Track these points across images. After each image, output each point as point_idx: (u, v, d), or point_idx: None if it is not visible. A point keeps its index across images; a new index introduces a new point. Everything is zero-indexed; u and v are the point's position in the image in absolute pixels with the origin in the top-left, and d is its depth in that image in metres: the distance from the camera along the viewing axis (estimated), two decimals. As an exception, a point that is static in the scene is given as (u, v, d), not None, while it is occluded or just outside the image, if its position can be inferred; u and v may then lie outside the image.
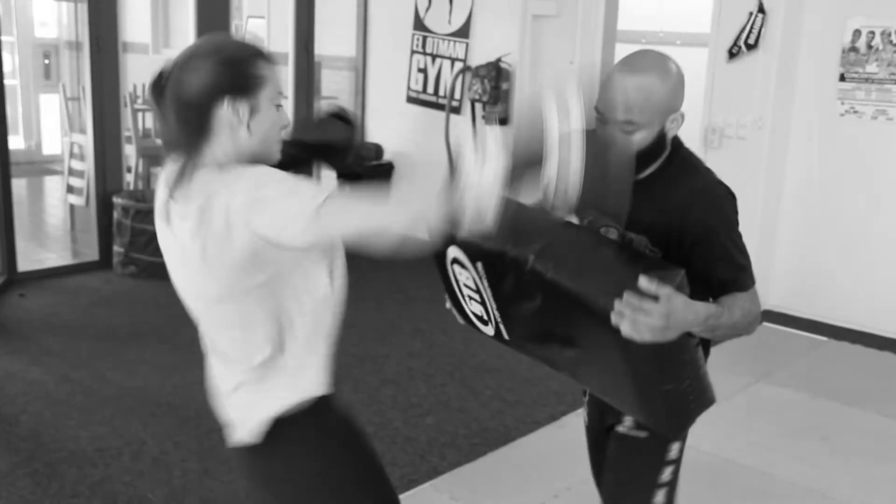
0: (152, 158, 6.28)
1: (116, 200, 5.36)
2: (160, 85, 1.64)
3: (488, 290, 1.97)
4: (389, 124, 6.88)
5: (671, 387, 1.82)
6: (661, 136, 1.87)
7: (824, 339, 4.96)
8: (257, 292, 1.64)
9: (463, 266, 1.98)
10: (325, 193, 1.52)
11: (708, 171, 1.97)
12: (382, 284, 5.63)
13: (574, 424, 3.74)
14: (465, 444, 3.51)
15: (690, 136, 6.01)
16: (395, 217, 1.52)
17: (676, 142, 1.95)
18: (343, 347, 4.46)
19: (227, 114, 1.60)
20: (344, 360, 4.21)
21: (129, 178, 6.03)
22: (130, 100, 6.38)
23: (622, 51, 6.68)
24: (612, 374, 1.89)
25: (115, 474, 3.15)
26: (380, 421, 3.67)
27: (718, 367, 4.25)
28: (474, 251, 1.92)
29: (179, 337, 4.41)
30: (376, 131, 7.01)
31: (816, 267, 5.14)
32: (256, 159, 1.66)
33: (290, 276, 1.66)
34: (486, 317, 2.05)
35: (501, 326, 2.03)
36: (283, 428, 1.72)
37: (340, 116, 1.98)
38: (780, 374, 4.41)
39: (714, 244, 1.89)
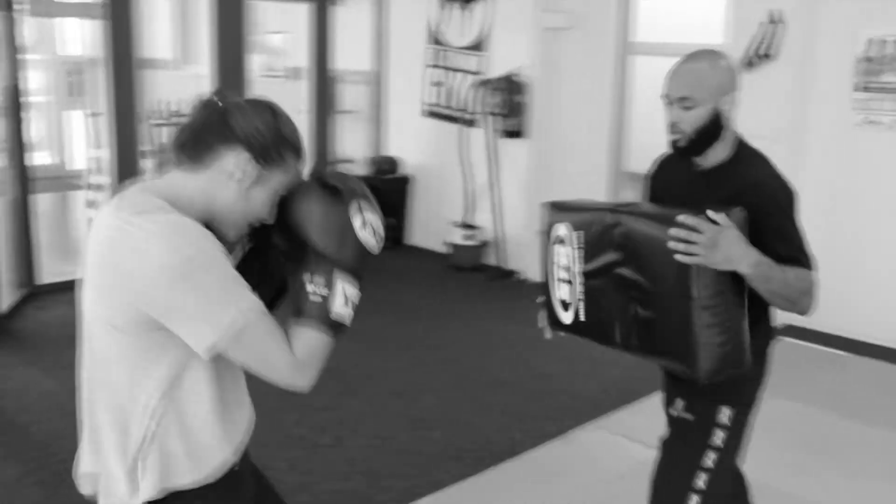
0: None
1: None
2: (215, 103, 1.62)
3: (580, 263, 2.20)
4: (406, 137, 6.92)
5: (711, 304, 1.96)
6: (717, 115, 2.07)
7: (842, 353, 4.89)
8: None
9: (563, 243, 2.24)
10: (251, 313, 1.48)
11: (768, 166, 2.14)
12: (397, 298, 5.65)
13: (582, 439, 3.73)
14: (471, 457, 3.50)
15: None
16: (291, 370, 1.55)
17: (741, 140, 2.15)
18: (355, 361, 4.51)
19: (236, 164, 1.57)
20: (355, 373, 4.29)
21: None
22: (149, 115, 6.45)
23: (643, 63, 6.69)
24: (664, 319, 2.03)
25: (120, 486, 3.17)
26: (386, 434, 3.67)
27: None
28: (579, 223, 2.21)
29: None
30: (393, 144, 7.05)
31: (834, 280, 5.06)
32: (215, 223, 1.61)
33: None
34: (569, 299, 2.25)
35: (581, 305, 2.22)
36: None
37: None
38: (793, 389, 4.35)
39: (771, 227, 2.05)
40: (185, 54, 8.93)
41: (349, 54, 7.09)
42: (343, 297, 1.57)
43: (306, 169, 1.70)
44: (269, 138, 1.59)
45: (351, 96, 7.21)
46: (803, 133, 5.03)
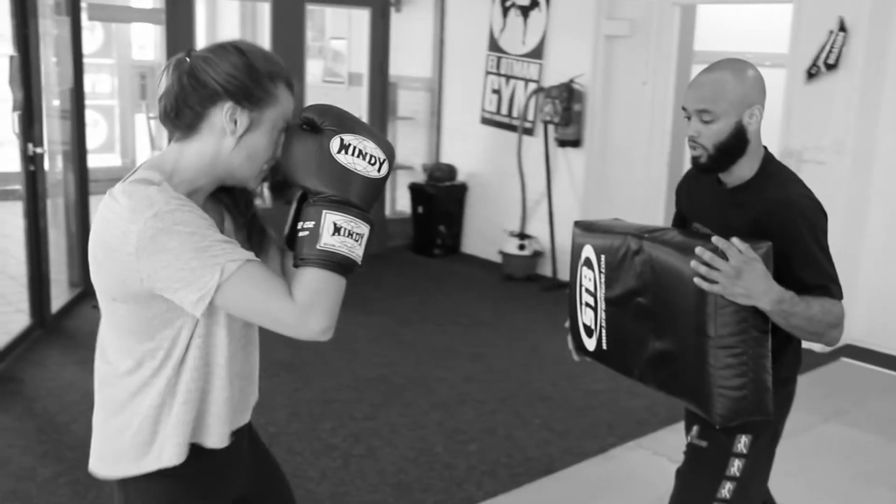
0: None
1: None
2: (182, 62, 1.56)
3: (602, 288, 2.11)
4: (463, 145, 6.86)
5: (727, 346, 1.83)
6: (740, 129, 1.94)
7: (907, 377, 4.66)
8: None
9: (590, 267, 2.15)
10: (232, 264, 1.46)
11: (796, 184, 2.00)
12: (447, 307, 5.59)
13: (622, 458, 3.61)
14: (506, 473, 3.42)
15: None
16: (293, 315, 1.49)
17: (768, 156, 2.03)
18: (398, 369, 4.46)
19: (223, 117, 1.53)
20: (397, 381, 4.25)
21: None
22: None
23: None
24: (682, 355, 1.92)
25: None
26: (422, 446, 3.61)
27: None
28: (600, 247, 2.12)
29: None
30: (450, 152, 7.00)
31: (902, 300, 4.84)
32: (232, 180, 1.60)
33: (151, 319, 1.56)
34: (592, 325, 2.18)
35: (603, 332, 2.13)
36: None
37: None
38: (852, 414, 4.15)
39: (799, 251, 1.91)
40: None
41: (409, 60, 7.08)
42: (332, 226, 1.50)
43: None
44: (246, 79, 1.53)
45: (410, 103, 7.19)
46: (871, 145, 4.81)
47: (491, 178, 6.68)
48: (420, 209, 6.82)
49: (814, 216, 1.95)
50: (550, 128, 6.03)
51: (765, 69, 6.80)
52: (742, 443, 2.02)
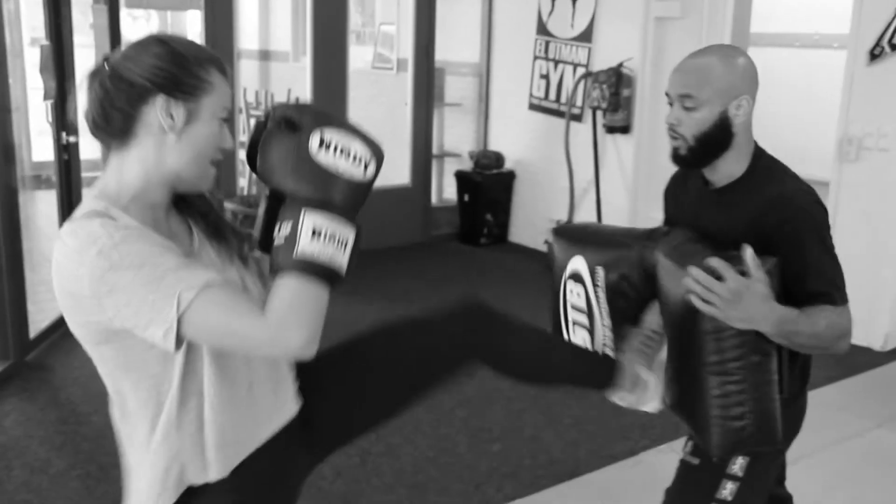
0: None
1: (227, 205, 5.45)
2: (100, 69, 1.45)
3: (602, 302, 1.91)
4: (511, 132, 6.69)
5: (723, 380, 1.67)
6: (725, 120, 1.78)
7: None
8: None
9: (578, 280, 1.93)
10: (188, 293, 1.33)
11: (793, 179, 1.81)
12: (490, 299, 5.43)
13: (652, 462, 3.42)
14: (528, 475, 3.27)
15: (823, 148, 5.50)
16: (267, 333, 1.35)
17: (758, 151, 1.85)
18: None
19: (157, 114, 1.40)
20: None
21: (242, 182, 6.14)
22: (246, 107, 6.50)
23: (759, 55, 6.20)
24: (684, 375, 1.77)
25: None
26: (443, 445, 3.49)
27: (832, 406, 3.82)
28: (597, 257, 1.92)
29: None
30: (498, 139, 6.84)
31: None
32: (182, 184, 1.48)
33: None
34: (589, 346, 1.99)
35: (608, 351, 1.95)
36: None
37: None
38: (909, 419, 3.89)
39: (801, 254, 1.71)
40: (304, 46, 8.99)
41: (457, 45, 6.93)
42: (310, 231, 1.34)
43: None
44: (173, 67, 1.41)
45: (458, 88, 7.04)
46: (938, 132, 4.49)
47: (539, 166, 6.50)
48: (466, 197, 6.67)
49: (815, 212, 1.76)
50: (599, 114, 5.82)
51: (830, 51, 6.47)
52: (737, 465, 1.84)
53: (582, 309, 1.94)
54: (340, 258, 1.37)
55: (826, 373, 4.17)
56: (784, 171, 1.83)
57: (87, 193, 1.48)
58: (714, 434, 1.69)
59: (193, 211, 1.57)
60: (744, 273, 1.61)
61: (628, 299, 1.87)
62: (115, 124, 1.42)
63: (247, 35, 9.70)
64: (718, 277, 1.60)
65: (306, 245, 1.34)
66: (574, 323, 1.99)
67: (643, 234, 1.88)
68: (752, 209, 1.76)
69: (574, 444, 3.53)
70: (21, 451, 3.31)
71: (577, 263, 1.94)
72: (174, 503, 1.50)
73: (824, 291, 1.72)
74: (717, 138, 1.78)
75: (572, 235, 2.02)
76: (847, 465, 3.41)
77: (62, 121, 4.43)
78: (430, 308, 1.83)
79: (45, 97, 4.36)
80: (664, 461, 3.40)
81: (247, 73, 9.54)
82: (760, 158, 1.84)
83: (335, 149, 1.38)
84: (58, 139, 4.46)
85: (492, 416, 3.77)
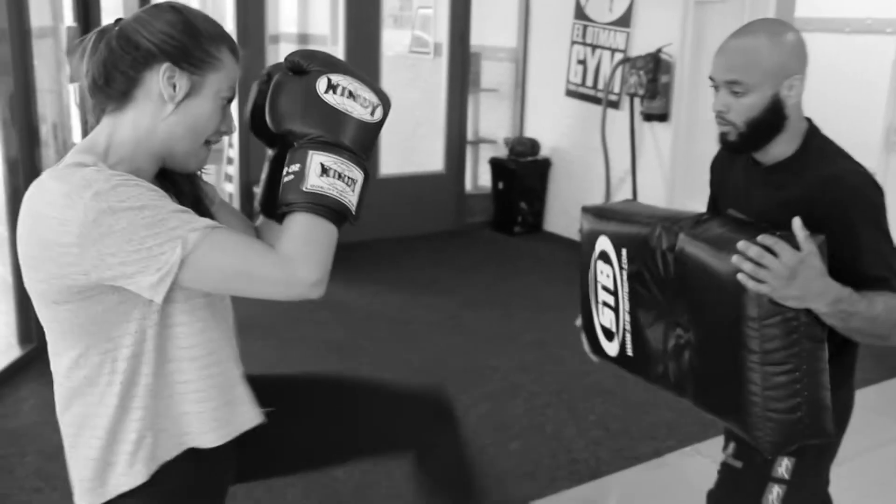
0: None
1: (255, 190, 5.40)
2: (109, 28, 1.41)
3: (625, 286, 1.82)
4: (547, 118, 6.56)
5: (777, 370, 1.55)
6: (777, 103, 1.68)
7: None
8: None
9: (607, 261, 1.87)
10: (194, 234, 1.29)
11: (847, 159, 1.70)
12: (517, 289, 5.34)
13: (677, 464, 3.30)
14: (546, 476, 3.17)
15: (869, 137, 5.27)
16: (277, 270, 1.31)
17: (812, 129, 1.76)
18: (451, 356, 4.22)
19: (160, 81, 1.37)
20: (448, 369, 4.03)
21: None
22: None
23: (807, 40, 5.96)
24: (721, 369, 1.65)
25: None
26: (461, 441, 3.40)
27: (869, 409, 3.65)
28: (622, 237, 1.83)
29: (288, 331, 4.36)
30: (534, 125, 6.70)
31: None
32: (171, 159, 1.43)
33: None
34: (613, 327, 1.91)
35: (628, 337, 1.86)
36: None
37: None
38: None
39: (854, 237, 1.61)
40: (337, 30, 8.93)
41: (494, 30, 6.79)
42: (319, 167, 1.33)
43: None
44: (185, 37, 1.38)
45: (494, 74, 6.91)
46: None
47: (575, 154, 6.35)
48: (500, 185, 6.55)
49: (871, 193, 1.64)
50: (636, 101, 5.66)
51: (883, 37, 6.18)
52: (783, 466, 1.74)
53: (610, 289, 1.87)
54: (350, 195, 1.35)
55: (863, 374, 3.97)
56: (837, 151, 1.73)
57: (73, 149, 1.43)
58: (766, 429, 1.57)
59: (176, 190, 1.51)
60: (796, 248, 1.51)
61: (648, 288, 1.76)
62: (116, 86, 1.39)
63: (286, 18, 9.67)
64: (770, 252, 1.49)
65: (315, 180, 1.33)
66: (603, 304, 1.92)
67: (674, 216, 1.77)
68: (803, 189, 1.66)
69: (597, 442, 3.42)
70: (35, 437, 3.29)
71: (604, 243, 1.87)
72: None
73: (881, 276, 1.60)
74: (770, 122, 1.68)
75: (598, 213, 1.94)
76: (884, 472, 3.26)
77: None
78: (400, 382, 1.84)
79: (72, 80, 4.34)
80: (690, 464, 3.29)
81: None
82: (813, 137, 1.74)
83: (343, 91, 1.37)
84: (84, 121, 4.44)
85: (513, 412, 3.67)
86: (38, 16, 4.82)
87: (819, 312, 1.54)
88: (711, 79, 1.73)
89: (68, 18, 4.42)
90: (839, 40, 6.68)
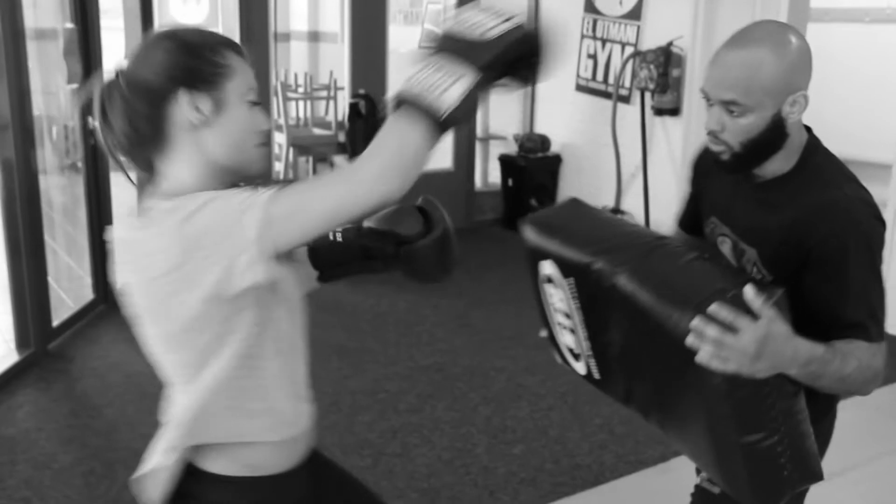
0: (302, 148, 6.25)
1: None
2: (114, 82, 1.37)
3: (579, 314, 1.67)
4: (557, 114, 6.45)
5: (754, 439, 1.42)
6: (778, 122, 1.50)
7: None
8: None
9: (558, 286, 1.71)
10: (262, 195, 1.25)
11: (849, 183, 1.53)
12: (524, 289, 5.20)
13: (681, 470, 3.18)
14: (548, 481, 3.08)
15: (890, 130, 5.14)
16: (346, 185, 1.25)
17: (811, 143, 1.58)
18: (457, 357, 4.15)
19: (184, 109, 1.33)
20: (452, 370, 3.96)
21: (278, 166, 6.03)
22: (282, 88, 6.39)
23: (822, 32, 5.83)
24: (687, 419, 1.54)
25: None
26: (462, 446, 3.32)
27: (883, 411, 3.53)
28: (567, 265, 1.65)
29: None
30: (544, 121, 6.60)
31: None
32: (233, 173, 1.39)
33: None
34: (576, 349, 1.75)
35: (592, 361, 1.72)
36: None
37: (424, 210, 1.64)
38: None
39: (844, 275, 1.46)
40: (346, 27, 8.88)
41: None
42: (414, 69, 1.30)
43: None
44: (188, 58, 1.34)
45: (504, 69, 6.81)
46: None
47: (585, 150, 6.25)
48: (510, 182, 6.46)
49: (869, 227, 1.48)
50: (647, 95, 5.55)
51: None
52: None
53: (566, 313, 1.72)
54: (440, 92, 1.25)
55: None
56: (839, 170, 1.56)
57: (145, 200, 1.38)
58: (758, 491, 1.47)
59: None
60: (753, 314, 1.34)
61: (602, 318, 1.63)
62: (145, 132, 1.35)
63: (297, 16, 9.62)
64: (731, 327, 1.33)
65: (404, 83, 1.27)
66: (560, 325, 1.77)
67: (620, 244, 1.58)
68: (797, 213, 1.51)
69: (601, 446, 3.33)
70: (28, 445, 3.25)
71: (550, 269, 1.71)
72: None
73: (859, 322, 1.47)
74: (769, 142, 1.52)
75: (545, 227, 1.75)
76: (856, 496, 3.12)
77: (90, 105, 4.36)
78: None
79: (69, 81, 4.30)
80: (693, 470, 3.18)
81: (296, 55, 9.48)
82: (813, 153, 1.57)
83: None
84: (84, 125, 4.39)
85: (516, 415, 3.59)
86: (45, 18, 4.80)
87: (788, 373, 1.42)
88: (704, 92, 1.55)
89: (67, 20, 4.37)
90: (858, 30, 6.54)
